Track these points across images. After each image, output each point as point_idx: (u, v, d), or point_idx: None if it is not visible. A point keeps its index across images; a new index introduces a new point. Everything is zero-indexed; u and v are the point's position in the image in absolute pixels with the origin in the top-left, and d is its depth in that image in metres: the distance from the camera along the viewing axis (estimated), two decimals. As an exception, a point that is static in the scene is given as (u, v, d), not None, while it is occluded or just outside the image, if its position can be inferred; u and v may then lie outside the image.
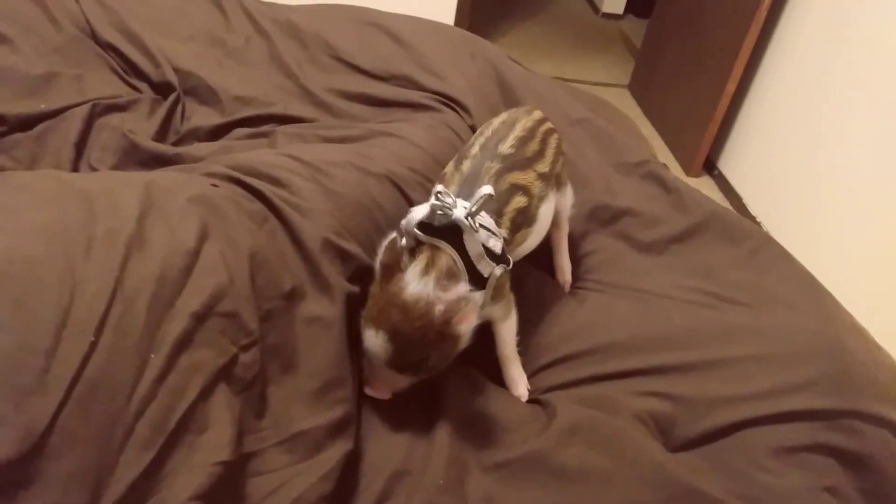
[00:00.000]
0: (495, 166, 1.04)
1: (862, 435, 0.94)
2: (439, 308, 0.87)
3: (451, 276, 0.91)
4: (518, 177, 1.06)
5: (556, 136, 1.19)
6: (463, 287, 0.90)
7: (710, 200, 1.40)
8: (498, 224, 1.00)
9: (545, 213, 1.13)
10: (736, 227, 1.32)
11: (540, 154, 1.12)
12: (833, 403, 0.97)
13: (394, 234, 0.94)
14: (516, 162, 1.07)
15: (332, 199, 1.06)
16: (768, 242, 1.28)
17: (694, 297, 1.22)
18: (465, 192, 0.99)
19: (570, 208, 1.27)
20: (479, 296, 0.94)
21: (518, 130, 1.12)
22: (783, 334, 1.10)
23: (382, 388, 0.96)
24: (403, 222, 0.95)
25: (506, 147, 1.08)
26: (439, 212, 0.92)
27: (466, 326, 0.89)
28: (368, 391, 0.97)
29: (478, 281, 0.95)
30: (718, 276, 1.25)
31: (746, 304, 1.18)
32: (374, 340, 0.90)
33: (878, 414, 0.95)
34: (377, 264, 0.93)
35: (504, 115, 1.18)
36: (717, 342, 1.11)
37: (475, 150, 1.08)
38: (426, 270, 0.90)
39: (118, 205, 0.84)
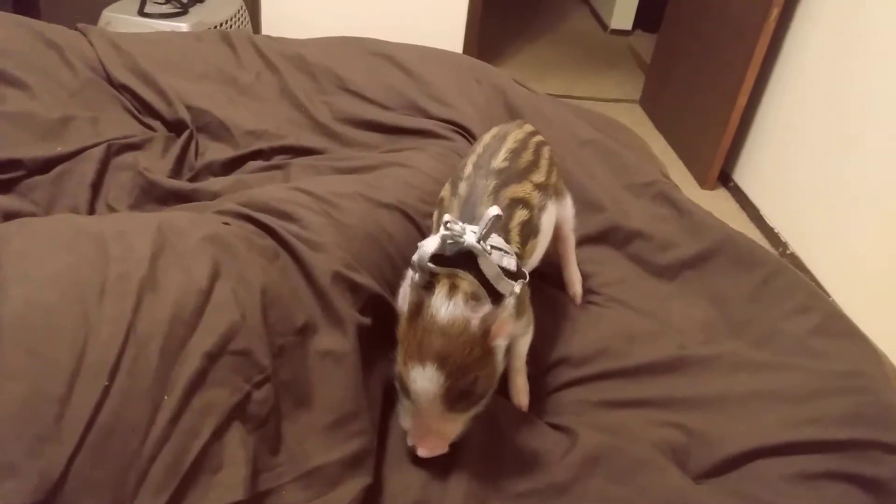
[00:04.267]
0: (491, 183, 1.03)
1: (881, 462, 0.92)
2: (475, 323, 0.85)
3: (475, 298, 0.90)
4: (516, 190, 1.05)
5: (547, 147, 1.18)
6: (495, 306, 0.89)
7: (723, 224, 1.38)
8: (507, 240, 0.99)
9: (547, 223, 1.12)
10: (749, 253, 1.29)
11: (534, 164, 1.11)
12: (849, 434, 0.95)
13: (416, 276, 0.92)
14: (512, 175, 1.06)
15: (342, 231, 1.06)
16: (782, 270, 1.26)
17: (706, 328, 1.21)
18: (467, 215, 0.98)
19: (572, 219, 1.26)
20: (512, 301, 0.93)
21: (510, 143, 1.11)
22: (794, 369, 1.08)
23: (436, 440, 0.90)
24: (415, 258, 0.93)
25: (499, 161, 1.07)
26: (450, 241, 0.90)
27: (503, 338, 0.88)
28: (423, 452, 0.89)
29: (499, 301, 0.94)
30: (731, 307, 1.24)
31: (758, 339, 1.17)
32: (423, 376, 0.85)
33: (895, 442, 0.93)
34: (406, 306, 0.90)
35: (494, 130, 1.17)
36: (730, 375, 1.10)
37: (468, 170, 1.07)
38: (451, 294, 0.88)
39: (131, 247, 0.86)
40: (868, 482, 0.91)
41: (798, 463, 0.94)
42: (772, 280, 1.25)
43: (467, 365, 0.85)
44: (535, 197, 1.08)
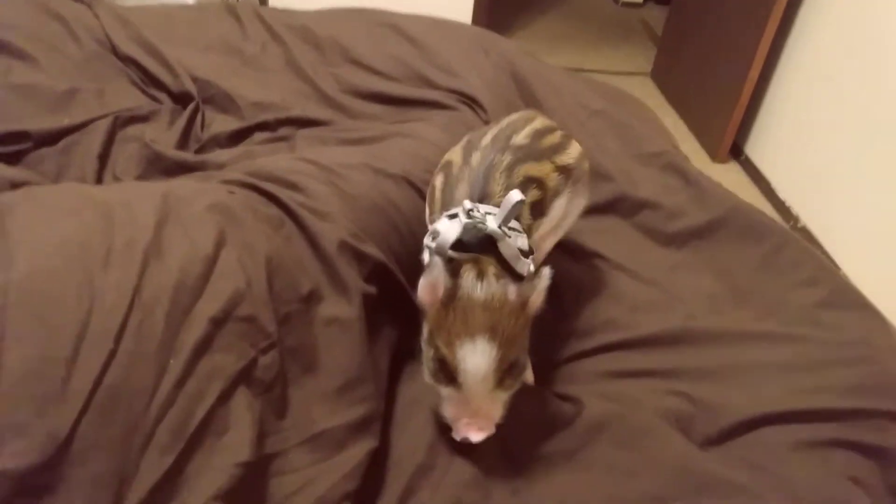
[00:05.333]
0: (507, 159, 0.99)
1: (886, 430, 0.92)
2: (512, 296, 0.84)
3: (501, 277, 0.88)
4: (532, 168, 1.01)
5: (577, 142, 1.15)
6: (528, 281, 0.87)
7: (732, 194, 1.37)
8: (517, 218, 0.97)
9: (557, 208, 1.08)
10: (757, 224, 1.28)
11: (561, 147, 1.08)
12: (854, 403, 0.95)
13: (441, 267, 0.86)
14: (531, 152, 1.02)
15: (348, 201, 1.06)
16: (791, 241, 1.25)
17: (712, 298, 1.20)
18: (477, 189, 0.96)
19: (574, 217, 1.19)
20: (547, 272, 0.91)
21: (537, 124, 1.08)
22: (800, 339, 1.08)
23: (485, 422, 0.86)
24: (432, 244, 0.90)
25: (520, 138, 1.03)
26: (472, 229, 0.88)
27: (539, 306, 0.87)
28: (476, 436, 0.85)
29: (518, 279, 0.93)
30: (738, 278, 1.23)
31: (765, 310, 1.16)
32: (474, 350, 0.82)
33: None
34: (440, 293, 0.85)
35: (524, 112, 1.14)
36: (736, 345, 1.09)
37: (486, 140, 1.03)
38: (480, 276, 0.86)
39: (136, 215, 0.86)
40: (873, 450, 0.91)
41: (803, 431, 0.94)
42: (780, 251, 1.24)
43: (515, 335, 0.84)
44: (554, 179, 1.04)
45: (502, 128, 1.07)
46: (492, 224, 0.88)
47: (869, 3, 2.23)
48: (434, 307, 0.86)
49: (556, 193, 1.06)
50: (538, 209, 1.03)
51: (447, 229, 0.89)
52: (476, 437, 0.85)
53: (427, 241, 0.94)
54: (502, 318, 0.83)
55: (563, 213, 1.11)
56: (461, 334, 0.82)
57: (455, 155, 1.05)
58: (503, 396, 0.87)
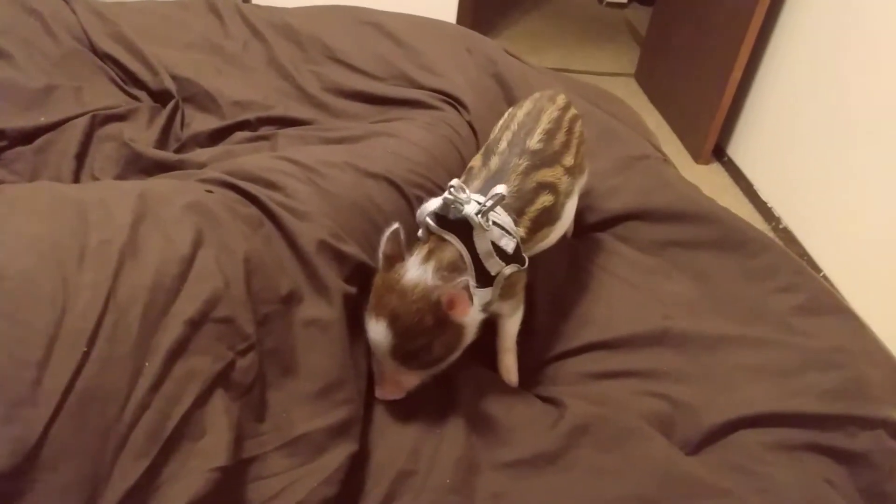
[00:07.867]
0: (524, 163, 1.03)
1: (857, 437, 0.93)
2: (435, 294, 0.87)
3: (453, 268, 0.91)
4: (546, 174, 1.05)
5: (580, 122, 1.18)
6: (464, 280, 0.89)
7: (711, 200, 1.37)
8: (517, 223, 0.99)
9: (570, 209, 1.12)
10: (736, 230, 1.29)
11: (566, 146, 1.11)
12: (828, 409, 0.96)
13: (396, 225, 0.94)
14: (545, 158, 1.06)
15: (328, 200, 1.05)
16: (769, 247, 1.25)
17: (690, 302, 1.21)
18: (488, 189, 0.97)
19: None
20: (483, 292, 0.93)
21: (545, 122, 1.11)
22: (777, 345, 1.09)
23: (393, 387, 0.95)
24: (418, 212, 0.96)
25: (534, 142, 1.07)
26: (452, 206, 0.92)
27: (463, 315, 0.89)
28: (380, 394, 0.95)
29: (486, 278, 0.94)
30: (716, 284, 1.23)
31: (743, 316, 1.16)
32: (376, 329, 0.90)
33: (873, 416, 0.94)
34: (380, 255, 0.93)
35: (528, 105, 1.16)
36: (714, 349, 1.10)
37: (503, 145, 1.07)
38: (426, 259, 0.90)
39: (111, 214, 0.84)
40: (844, 455, 0.92)
41: (779, 434, 0.96)
42: (758, 257, 1.24)
43: (418, 330, 0.88)
44: (564, 182, 1.08)
45: (514, 131, 1.09)
46: (469, 209, 0.90)
47: (852, 4, 2.25)
48: (378, 274, 0.94)
49: (568, 195, 1.10)
50: (548, 215, 1.06)
51: (432, 201, 0.95)
52: (379, 394, 0.96)
53: (418, 211, 0.99)
54: (411, 311, 0.88)
55: (575, 208, 1.17)
56: (372, 310, 0.91)
57: (475, 161, 1.09)
58: (412, 372, 0.94)
